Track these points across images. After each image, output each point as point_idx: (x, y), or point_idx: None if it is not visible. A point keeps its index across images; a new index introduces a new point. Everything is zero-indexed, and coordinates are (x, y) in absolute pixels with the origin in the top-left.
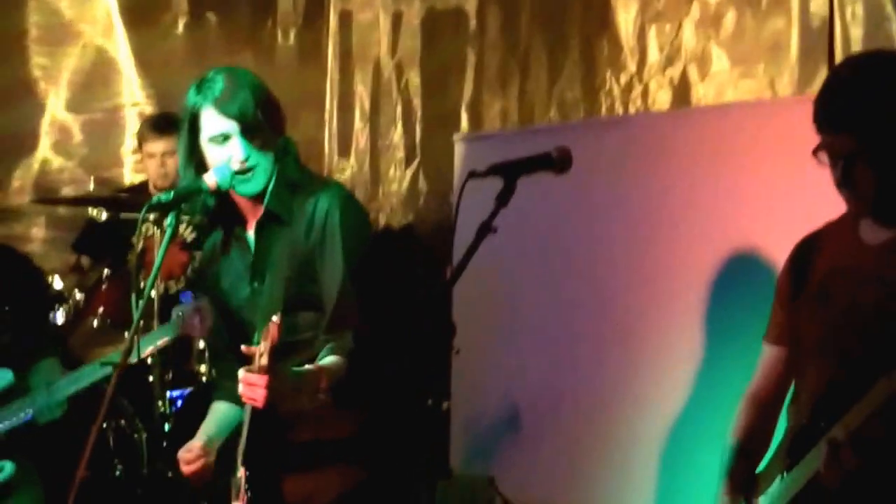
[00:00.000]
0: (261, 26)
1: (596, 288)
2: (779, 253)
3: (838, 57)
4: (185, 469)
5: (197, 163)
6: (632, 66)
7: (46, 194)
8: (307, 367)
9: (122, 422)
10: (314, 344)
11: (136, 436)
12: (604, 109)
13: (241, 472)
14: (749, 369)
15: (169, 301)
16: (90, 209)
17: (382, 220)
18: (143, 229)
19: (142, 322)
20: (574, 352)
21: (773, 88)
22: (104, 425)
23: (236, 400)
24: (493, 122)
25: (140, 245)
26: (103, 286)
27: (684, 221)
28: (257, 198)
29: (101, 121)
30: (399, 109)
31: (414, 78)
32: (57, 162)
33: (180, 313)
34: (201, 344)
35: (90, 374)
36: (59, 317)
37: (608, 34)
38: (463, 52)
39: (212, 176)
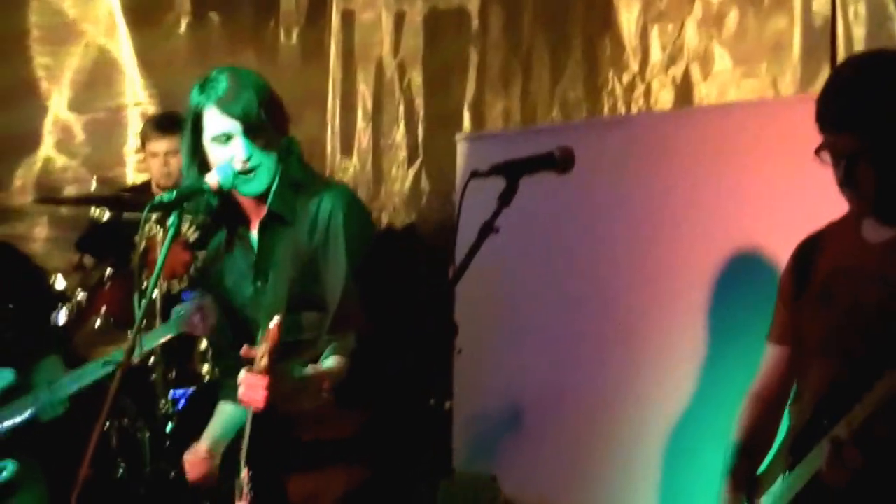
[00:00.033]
0: (263, 26)
1: (598, 287)
2: (781, 252)
3: (840, 56)
4: (191, 474)
5: (200, 162)
6: (634, 66)
7: (49, 194)
8: (309, 368)
9: (125, 421)
10: (317, 344)
11: (138, 435)
12: (606, 109)
13: (244, 473)
14: (751, 369)
15: (171, 300)
16: (92, 209)
17: (385, 220)
18: (146, 229)
19: (144, 322)
20: (576, 351)
21: (776, 88)
22: (107, 425)
23: None
24: (496, 122)
25: (143, 245)
26: (106, 286)
27: (686, 221)
28: (260, 198)
29: (103, 120)
30: (401, 109)
31: (416, 77)
32: (59, 161)
33: (182, 311)
34: (204, 343)
35: (92, 372)
36: (62, 316)
37: (610, 34)
38: (465, 52)
39: (214, 175)
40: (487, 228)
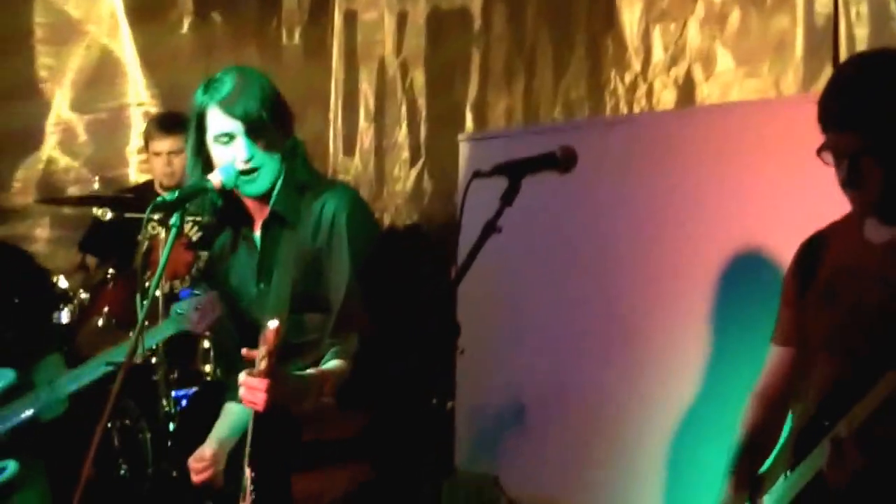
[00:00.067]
0: (266, 25)
1: (601, 287)
2: (783, 251)
3: (843, 56)
4: (196, 478)
5: (204, 162)
6: (636, 66)
7: (51, 194)
8: (310, 370)
9: (127, 421)
10: (320, 345)
11: (140, 435)
12: (608, 109)
13: (247, 473)
14: (754, 367)
15: (174, 301)
16: (95, 209)
17: (387, 220)
18: (149, 229)
19: (146, 322)
20: (579, 351)
21: (778, 87)
22: (109, 425)
23: None
24: (498, 122)
25: (145, 245)
26: (108, 286)
27: (689, 220)
28: (263, 198)
29: (106, 120)
30: (404, 109)
31: (419, 77)
32: (62, 162)
33: (180, 309)
34: (206, 343)
35: (91, 371)
36: (65, 316)
37: (613, 33)
38: (468, 52)
39: (217, 175)
40: (490, 228)
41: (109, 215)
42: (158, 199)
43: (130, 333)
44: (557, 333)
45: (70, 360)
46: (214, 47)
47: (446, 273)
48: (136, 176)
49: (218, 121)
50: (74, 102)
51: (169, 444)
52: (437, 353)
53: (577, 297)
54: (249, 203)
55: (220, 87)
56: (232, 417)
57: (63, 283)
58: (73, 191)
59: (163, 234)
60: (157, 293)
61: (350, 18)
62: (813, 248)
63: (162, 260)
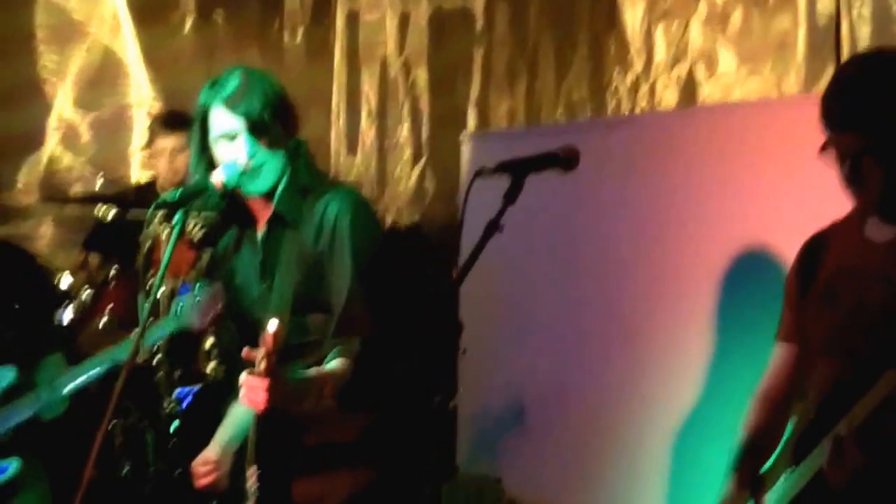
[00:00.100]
0: (268, 25)
1: (603, 287)
2: (786, 251)
3: (845, 56)
4: (199, 483)
5: (207, 161)
6: (639, 65)
7: (54, 193)
8: (311, 371)
9: (129, 421)
10: (322, 346)
11: (143, 435)
12: (611, 108)
13: (249, 474)
14: (757, 368)
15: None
16: (97, 208)
17: (389, 219)
18: (151, 228)
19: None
20: (581, 351)
21: (780, 87)
22: (110, 424)
23: None
24: (501, 122)
25: (148, 243)
26: (111, 285)
27: (692, 220)
28: (266, 197)
29: (108, 120)
30: (406, 108)
31: (421, 77)
32: (64, 161)
33: (179, 307)
34: (209, 342)
35: (90, 369)
36: (67, 315)
37: (615, 33)
38: (470, 52)
39: (219, 174)
40: (492, 227)
41: (112, 214)
42: (161, 197)
43: (132, 333)
44: (559, 333)
45: (72, 360)
46: (216, 48)
47: (448, 272)
48: (138, 175)
49: (221, 119)
50: (77, 102)
51: (171, 443)
52: (439, 353)
53: (578, 298)
54: (253, 203)
55: (225, 85)
56: (237, 419)
57: (65, 282)
58: (75, 190)
59: (165, 233)
60: (160, 292)
61: (352, 19)
62: (815, 248)
63: (164, 259)
